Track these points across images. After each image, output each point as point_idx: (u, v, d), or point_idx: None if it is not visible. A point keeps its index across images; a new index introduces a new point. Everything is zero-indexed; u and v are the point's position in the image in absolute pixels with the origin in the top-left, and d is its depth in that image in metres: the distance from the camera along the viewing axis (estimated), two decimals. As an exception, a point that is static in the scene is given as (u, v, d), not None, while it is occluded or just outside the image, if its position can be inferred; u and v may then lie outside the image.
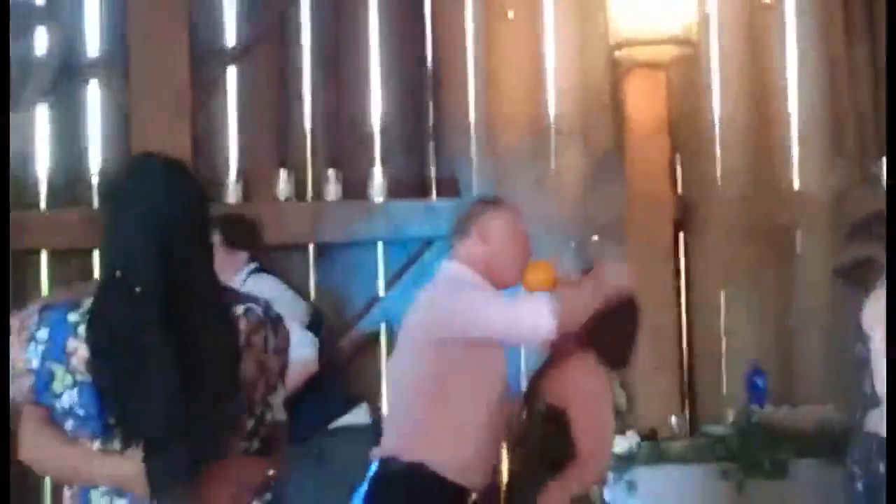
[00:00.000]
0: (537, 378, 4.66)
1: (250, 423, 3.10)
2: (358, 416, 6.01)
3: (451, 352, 4.35)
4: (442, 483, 4.38)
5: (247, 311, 3.08)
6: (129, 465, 2.98)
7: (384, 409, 6.69)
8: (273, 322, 3.16)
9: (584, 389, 4.48)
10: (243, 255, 5.99)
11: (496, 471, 4.69)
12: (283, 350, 3.17)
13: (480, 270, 4.48)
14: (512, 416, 4.65)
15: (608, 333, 4.55)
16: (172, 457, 2.94)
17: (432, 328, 4.40)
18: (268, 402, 3.11)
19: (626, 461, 6.04)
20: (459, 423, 4.40)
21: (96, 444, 3.08)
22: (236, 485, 3.04)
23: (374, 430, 5.55)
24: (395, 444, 4.49)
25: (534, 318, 4.27)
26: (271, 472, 3.10)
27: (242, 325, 3.06)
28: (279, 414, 3.19)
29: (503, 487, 4.68)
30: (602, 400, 4.52)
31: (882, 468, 5.15)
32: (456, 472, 4.40)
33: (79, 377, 3.08)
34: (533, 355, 6.33)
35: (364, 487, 4.53)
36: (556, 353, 4.59)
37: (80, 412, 3.08)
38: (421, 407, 4.43)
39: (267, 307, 3.17)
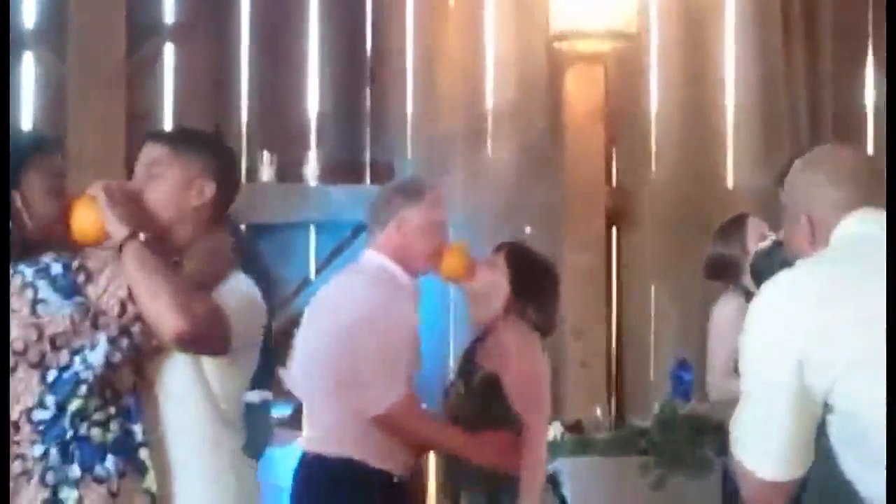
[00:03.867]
0: (470, 352, 4.73)
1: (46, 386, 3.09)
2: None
3: (359, 340, 4.37)
4: (367, 471, 4.41)
5: (12, 274, 3.09)
6: None
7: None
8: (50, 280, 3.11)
9: (516, 350, 4.56)
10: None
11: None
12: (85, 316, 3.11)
13: (397, 258, 4.55)
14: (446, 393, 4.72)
15: (531, 302, 4.65)
16: None
17: (342, 319, 4.44)
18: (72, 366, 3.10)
19: (550, 451, 6.04)
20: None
21: None
22: None
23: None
24: (316, 438, 4.52)
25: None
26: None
27: (12, 288, 3.08)
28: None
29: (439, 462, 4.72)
30: (535, 358, 4.63)
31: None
32: (379, 460, 4.43)
33: None
34: (461, 334, 6.34)
35: (290, 485, 4.54)
36: (486, 327, 4.66)
37: None
38: (335, 398, 4.44)
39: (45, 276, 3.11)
